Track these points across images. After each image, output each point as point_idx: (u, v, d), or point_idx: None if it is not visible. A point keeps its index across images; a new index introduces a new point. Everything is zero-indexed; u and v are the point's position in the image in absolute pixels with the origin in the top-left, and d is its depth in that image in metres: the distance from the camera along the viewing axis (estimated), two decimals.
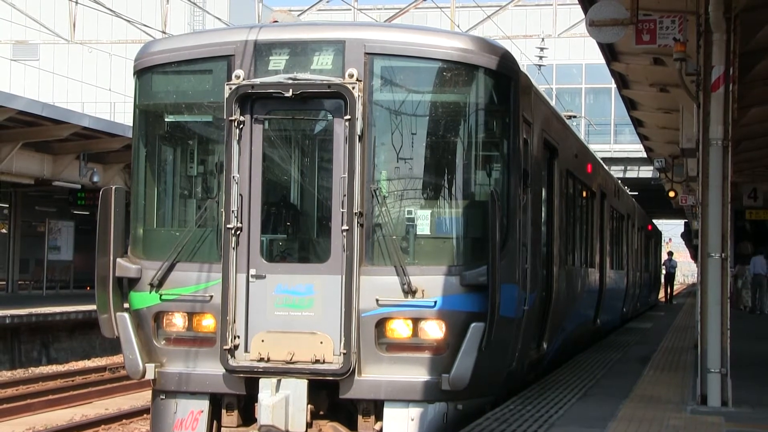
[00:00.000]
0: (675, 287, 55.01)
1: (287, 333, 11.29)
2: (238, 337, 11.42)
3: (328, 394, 11.39)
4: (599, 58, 23.33)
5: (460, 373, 11.04)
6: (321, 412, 11.45)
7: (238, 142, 11.50)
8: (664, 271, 53.13)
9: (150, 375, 11.78)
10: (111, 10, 27.43)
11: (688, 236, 61.94)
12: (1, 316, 26.75)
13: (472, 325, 11.05)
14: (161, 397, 11.86)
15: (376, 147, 11.53)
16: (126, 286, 12.00)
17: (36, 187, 36.00)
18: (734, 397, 12.34)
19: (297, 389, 11.19)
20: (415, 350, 11.32)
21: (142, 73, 12.28)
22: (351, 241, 11.19)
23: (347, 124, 11.28)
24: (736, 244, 39.44)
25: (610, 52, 19.46)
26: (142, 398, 21.49)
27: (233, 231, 11.43)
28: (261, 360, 11.27)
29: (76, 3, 33.85)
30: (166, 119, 12.45)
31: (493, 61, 11.68)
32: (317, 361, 11.18)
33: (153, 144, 12.50)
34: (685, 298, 59.69)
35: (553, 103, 19.00)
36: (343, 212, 11.25)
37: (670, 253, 53.65)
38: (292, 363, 11.20)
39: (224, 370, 11.41)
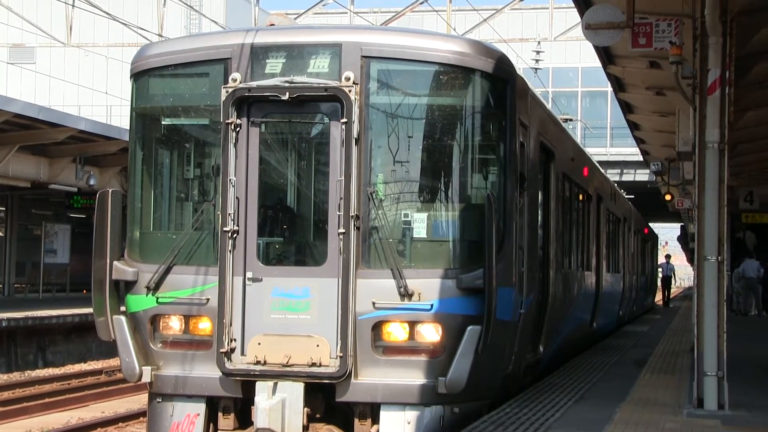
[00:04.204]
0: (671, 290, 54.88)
1: (284, 336, 11.30)
2: (235, 340, 11.41)
3: (324, 397, 11.39)
4: (595, 62, 23.34)
5: (456, 376, 11.04)
6: (317, 415, 11.45)
7: (235, 145, 11.50)
8: (660, 274, 53.04)
9: (146, 378, 11.77)
10: (107, 13, 27.44)
11: (684, 239, 61.97)
12: None
13: (469, 328, 11.05)
14: (158, 400, 11.85)
15: (372, 150, 11.54)
16: (122, 289, 12.00)
17: (32, 191, 35.98)
18: (731, 400, 12.34)
19: (293, 392, 11.20)
20: (412, 353, 11.32)
21: (138, 76, 12.28)
22: (347, 244, 11.19)
23: (344, 127, 11.29)
24: (744, 233, 39.47)
25: (606, 56, 19.47)
26: (138, 401, 21.48)
27: (230, 234, 11.43)
28: (258, 363, 11.27)
29: (73, 6, 33.85)
30: (162, 122, 12.45)
31: (489, 65, 11.69)
32: (314, 364, 11.19)
33: (150, 147, 12.50)
34: (681, 302, 59.69)
35: (549, 106, 19.02)
36: (339, 215, 11.26)
37: (668, 257, 53.59)
38: (289, 366, 11.20)
39: (221, 373, 11.41)
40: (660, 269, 52.98)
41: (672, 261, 54.09)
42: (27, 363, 28.32)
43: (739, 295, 38.54)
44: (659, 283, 54.05)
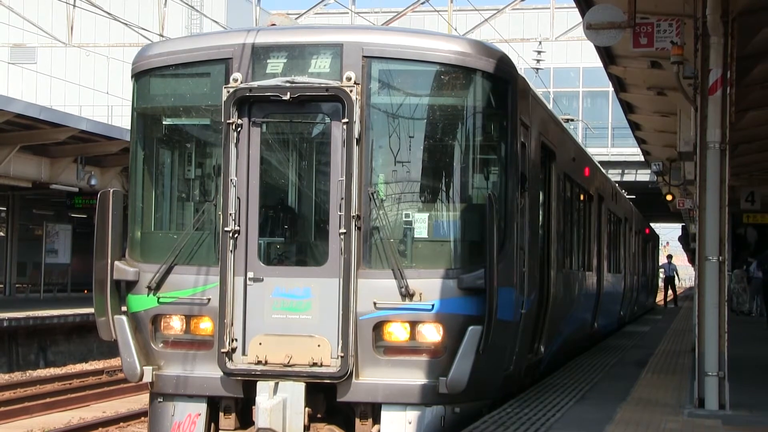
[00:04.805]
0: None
1: (285, 336, 11.30)
2: (236, 340, 11.41)
3: (325, 397, 11.39)
4: (596, 62, 23.35)
5: (457, 376, 11.03)
6: (318, 415, 11.45)
7: (236, 145, 11.50)
8: (662, 275, 52.91)
9: (147, 378, 11.78)
10: (108, 13, 27.44)
11: (685, 240, 61.94)
12: None
13: (470, 328, 11.05)
14: (159, 400, 11.86)
15: (373, 150, 11.54)
16: (123, 289, 12.00)
17: (33, 191, 36.03)
18: (732, 400, 12.35)
19: (294, 392, 11.20)
20: (413, 353, 11.32)
21: (139, 76, 12.28)
22: (348, 244, 11.19)
23: (345, 127, 11.29)
24: (745, 229, 39.40)
25: (607, 56, 19.46)
26: (139, 401, 21.49)
27: (231, 234, 11.43)
28: (259, 363, 11.27)
29: (74, 6, 33.85)
30: (163, 122, 12.45)
31: (490, 65, 11.68)
32: (315, 364, 11.19)
33: (151, 147, 12.50)
34: (682, 302, 59.66)
35: (550, 106, 19.02)
36: (340, 215, 11.25)
37: (670, 257, 53.52)
38: (290, 366, 11.20)
39: (222, 373, 11.41)
40: (662, 270, 52.84)
41: (673, 261, 53.91)
42: (28, 363, 28.33)
43: (740, 296, 38.53)
44: (660, 284, 53.91)
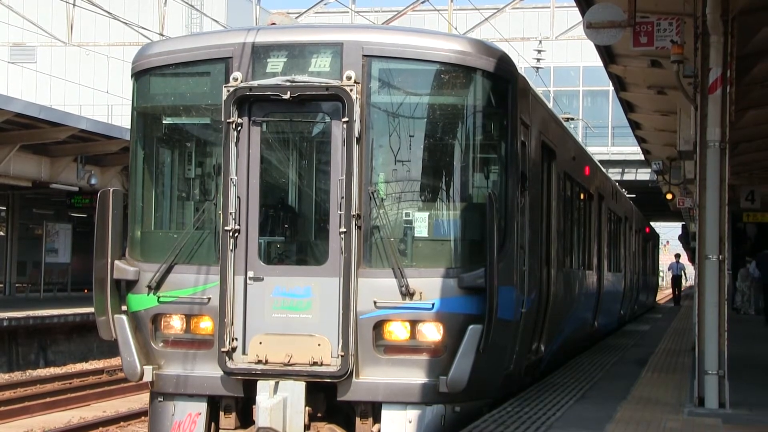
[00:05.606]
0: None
1: (285, 335, 11.29)
2: (236, 339, 11.41)
3: (326, 396, 11.39)
4: (597, 61, 23.36)
5: (457, 376, 11.03)
6: (319, 414, 11.45)
7: (236, 144, 11.50)
8: (670, 275, 52.75)
9: (148, 377, 11.77)
10: (108, 13, 27.42)
11: (685, 239, 61.93)
12: None
13: (470, 327, 11.05)
14: (159, 399, 11.85)
15: (373, 149, 11.53)
16: (124, 288, 12.00)
17: (33, 190, 36.02)
18: (732, 398, 12.35)
19: (295, 391, 11.19)
20: (413, 352, 11.32)
21: (139, 75, 12.28)
22: (349, 244, 11.19)
23: (345, 126, 11.29)
24: (745, 224, 39.38)
25: (607, 55, 19.46)
26: (139, 401, 21.50)
27: (231, 233, 11.43)
28: (259, 362, 11.27)
29: (74, 5, 33.85)
30: (163, 121, 12.45)
31: (490, 64, 11.68)
32: (315, 364, 11.19)
33: (151, 146, 12.50)
34: (683, 301, 59.65)
35: (550, 105, 19.01)
36: (340, 214, 11.25)
37: (678, 256, 53.44)
38: (290, 365, 11.20)
39: (222, 373, 11.41)
40: (669, 269, 52.70)
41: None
42: (28, 362, 28.33)
43: (744, 294, 38.50)
44: (661, 283, 53.79)
